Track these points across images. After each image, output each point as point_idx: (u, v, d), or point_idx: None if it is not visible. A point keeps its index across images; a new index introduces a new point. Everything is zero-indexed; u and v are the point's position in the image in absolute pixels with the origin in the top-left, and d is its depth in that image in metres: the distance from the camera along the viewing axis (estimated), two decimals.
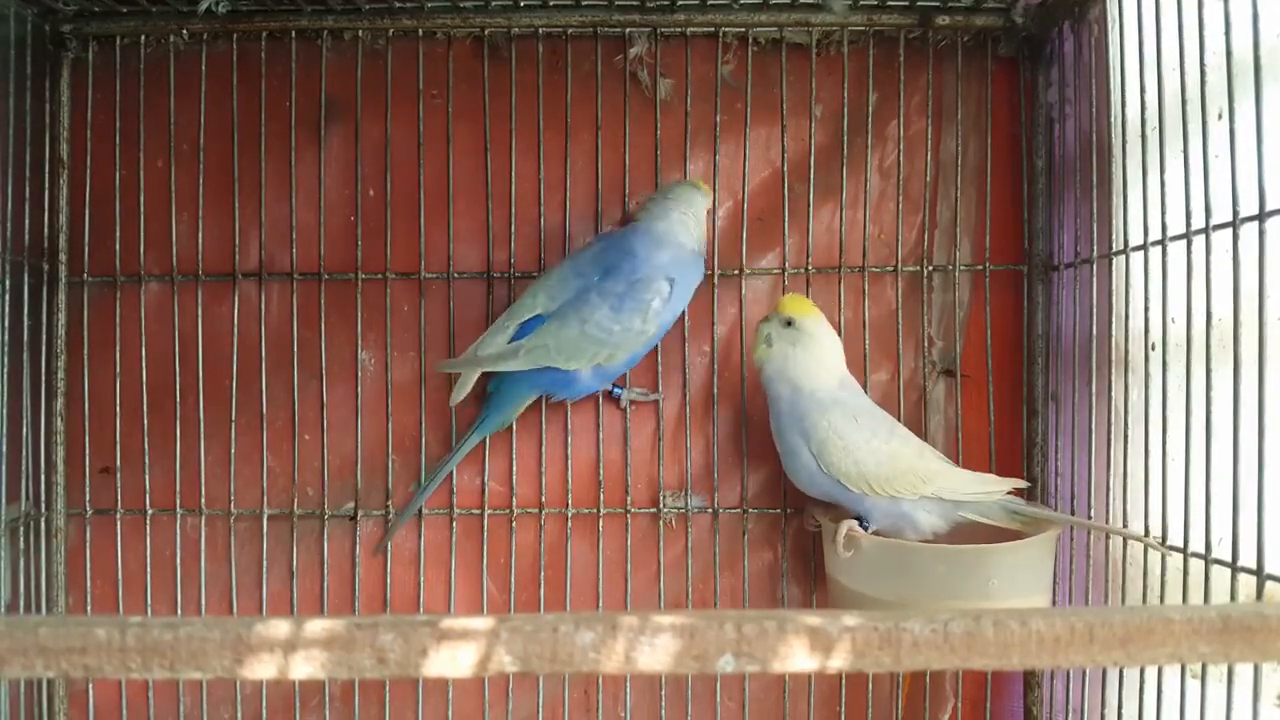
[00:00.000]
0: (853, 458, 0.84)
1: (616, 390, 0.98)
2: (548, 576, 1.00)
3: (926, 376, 1.00)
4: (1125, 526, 0.82)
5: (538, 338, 0.89)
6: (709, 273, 0.98)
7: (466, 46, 1.00)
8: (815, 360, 0.87)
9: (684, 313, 0.97)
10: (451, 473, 0.99)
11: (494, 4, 0.97)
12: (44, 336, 0.96)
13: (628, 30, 0.98)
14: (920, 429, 0.99)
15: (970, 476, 0.87)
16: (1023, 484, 0.87)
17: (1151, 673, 0.76)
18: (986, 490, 0.85)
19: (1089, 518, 0.88)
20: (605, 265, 0.91)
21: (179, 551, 0.99)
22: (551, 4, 0.96)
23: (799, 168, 1.00)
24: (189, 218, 0.99)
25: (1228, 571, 0.67)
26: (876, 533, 0.85)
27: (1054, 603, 0.88)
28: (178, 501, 0.99)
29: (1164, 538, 0.75)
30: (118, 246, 0.98)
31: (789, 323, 0.87)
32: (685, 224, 0.91)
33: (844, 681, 0.99)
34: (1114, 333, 0.85)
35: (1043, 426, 0.98)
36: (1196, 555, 0.72)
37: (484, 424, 0.96)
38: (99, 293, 0.99)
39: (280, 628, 0.51)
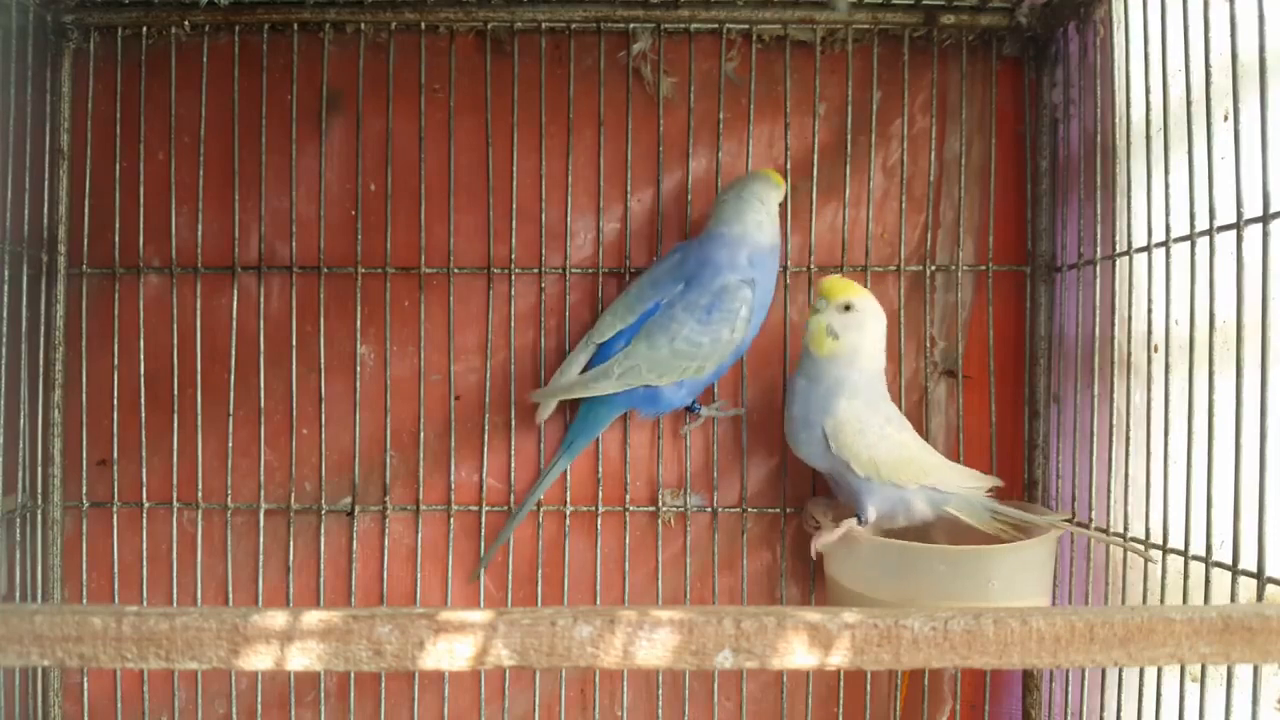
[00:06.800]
0: (865, 441, 0.83)
1: (696, 407, 0.97)
2: (545, 574, 0.99)
3: (928, 377, 1.00)
4: (1125, 529, 0.82)
5: (628, 358, 0.89)
6: None
7: (469, 41, 1.00)
8: (876, 340, 0.86)
9: None
10: (450, 468, 0.99)
11: None
12: (42, 328, 0.96)
13: (631, 26, 0.98)
14: (922, 429, 0.98)
15: (961, 470, 0.88)
16: (999, 482, 0.88)
17: (1151, 675, 0.76)
18: (977, 485, 0.87)
19: (1090, 519, 0.87)
20: (685, 276, 0.90)
21: (175, 545, 0.98)
22: None
23: (802, 166, 0.99)
24: (189, 210, 0.99)
25: (1228, 575, 0.67)
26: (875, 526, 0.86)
27: (1054, 605, 0.88)
28: (174, 495, 0.98)
29: (1164, 540, 0.75)
30: (117, 238, 0.98)
31: (847, 307, 0.84)
32: (760, 223, 0.90)
33: (842, 682, 0.98)
34: (1116, 334, 0.85)
35: (1044, 428, 0.97)
36: (1197, 558, 0.71)
37: (573, 447, 0.95)
38: (98, 284, 0.99)
39: (277, 618, 0.51)
